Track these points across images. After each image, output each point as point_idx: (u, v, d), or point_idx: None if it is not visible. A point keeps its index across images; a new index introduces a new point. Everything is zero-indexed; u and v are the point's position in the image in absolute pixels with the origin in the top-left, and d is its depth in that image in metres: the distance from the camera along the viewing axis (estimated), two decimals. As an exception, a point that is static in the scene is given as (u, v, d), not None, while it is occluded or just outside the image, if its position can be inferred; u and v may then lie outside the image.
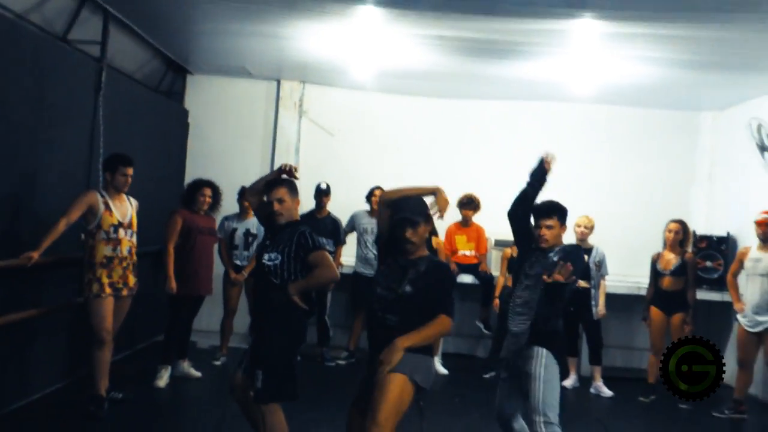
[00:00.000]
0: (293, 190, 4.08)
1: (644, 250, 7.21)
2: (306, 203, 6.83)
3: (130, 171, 5.23)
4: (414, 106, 8.53)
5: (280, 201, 4.00)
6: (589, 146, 8.43)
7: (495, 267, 7.68)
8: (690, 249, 7.16)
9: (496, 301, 7.15)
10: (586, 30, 5.42)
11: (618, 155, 8.47)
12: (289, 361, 3.91)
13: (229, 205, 6.92)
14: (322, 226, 7.08)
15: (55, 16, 5.45)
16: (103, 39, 5.96)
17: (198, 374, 6.41)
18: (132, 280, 5.29)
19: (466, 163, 8.22)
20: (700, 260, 7.48)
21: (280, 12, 5.62)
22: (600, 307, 6.97)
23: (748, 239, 6.68)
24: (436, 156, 8.34)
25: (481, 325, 7.46)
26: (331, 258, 4.06)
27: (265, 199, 4.11)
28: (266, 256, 3.95)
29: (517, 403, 4.12)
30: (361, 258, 7.35)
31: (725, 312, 7.21)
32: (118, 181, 5.19)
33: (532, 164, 4.21)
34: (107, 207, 5.12)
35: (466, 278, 7.50)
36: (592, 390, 7.00)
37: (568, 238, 4.52)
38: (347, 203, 7.43)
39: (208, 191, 6.25)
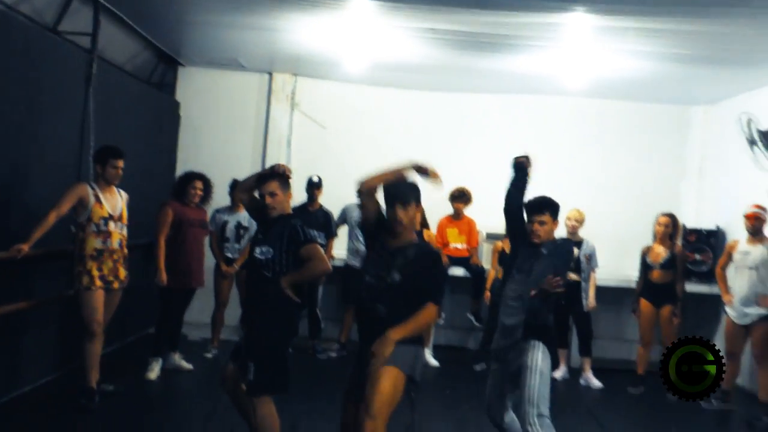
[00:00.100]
0: (285, 184, 4.09)
1: (634, 243, 7.27)
2: (298, 196, 6.83)
3: (121, 163, 5.22)
4: (406, 99, 8.52)
5: (272, 194, 4.01)
6: (580, 139, 8.47)
7: (486, 260, 7.70)
8: (679, 242, 7.22)
9: (487, 294, 7.17)
10: (578, 23, 5.43)
11: (609, 148, 8.49)
12: (281, 353, 3.92)
13: (221, 197, 6.90)
14: (314, 219, 7.08)
15: (46, 7, 5.41)
16: (93, 30, 5.91)
17: (189, 366, 6.41)
18: (123, 272, 5.28)
19: (458, 155, 8.20)
20: (690, 253, 7.52)
21: (273, 4, 5.60)
22: (590, 300, 7.03)
23: (737, 233, 6.73)
24: (428, 149, 8.22)
25: (472, 318, 7.49)
26: (323, 251, 4.07)
27: (256, 193, 4.12)
28: (258, 250, 3.96)
29: (508, 395, 4.16)
30: (352, 250, 7.36)
31: (714, 304, 7.26)
32: (109, 173, 5.17)
33: (510, 170, 4.24)
34: (98, 199, 5.10)
35: (458, 271, 7.52)
36: (581, 381, 7.06)
37: (559, 231, 4.56)
38: (339, 196, 7.41)
39: (199, 184, 6.24)
